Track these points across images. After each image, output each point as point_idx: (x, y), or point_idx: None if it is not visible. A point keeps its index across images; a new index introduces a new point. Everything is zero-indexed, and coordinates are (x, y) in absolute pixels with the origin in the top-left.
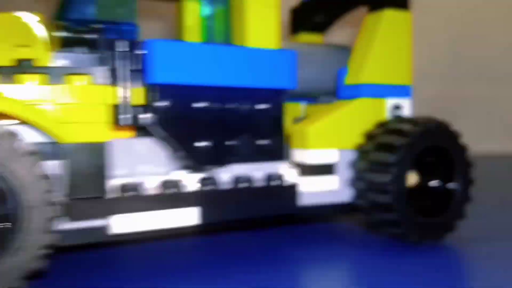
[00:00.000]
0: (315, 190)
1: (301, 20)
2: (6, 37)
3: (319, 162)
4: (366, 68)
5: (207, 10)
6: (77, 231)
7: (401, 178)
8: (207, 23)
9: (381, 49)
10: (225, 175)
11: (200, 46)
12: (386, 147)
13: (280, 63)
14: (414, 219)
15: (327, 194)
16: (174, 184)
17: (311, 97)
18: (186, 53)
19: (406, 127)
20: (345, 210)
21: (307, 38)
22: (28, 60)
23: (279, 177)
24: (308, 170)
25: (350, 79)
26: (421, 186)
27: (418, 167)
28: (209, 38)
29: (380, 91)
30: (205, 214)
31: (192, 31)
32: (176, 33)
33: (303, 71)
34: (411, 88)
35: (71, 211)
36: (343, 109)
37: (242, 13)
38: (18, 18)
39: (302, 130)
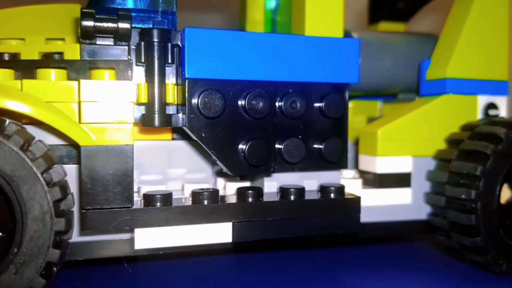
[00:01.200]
0: (382, 205)
1: (381, 7)
2: (39, 30)
3: (389, 171)
4: (453, 60)
5: (272, 1)
6: (96, 245)
7: (490, 194)
8: (272, 16)
9: (472, 37)
10: (271, 185)
11: (243, 35)
12: (472, 155)
13: (340, 53)
14: (505, 245)
15: (398, 210)
16: (207, 195)
17: (389, 94)
18: (227, 44)
19: (499, 130)
20: (418, 229)
21: (387, 27)
22: (58, 53)
23: (338, 189)
24: (376, 181)
25: (433, 73)
26: None
27: None
28: (273, 32)
29: (469, 87)
30: (242, 231)
31: (256, 24)
32: (239, 26)
33: (379, 64)
34: (508, 85)
35: (89, 223)
36: (421, 108)
37: None
38: (53, 10)
39: (370, 133)
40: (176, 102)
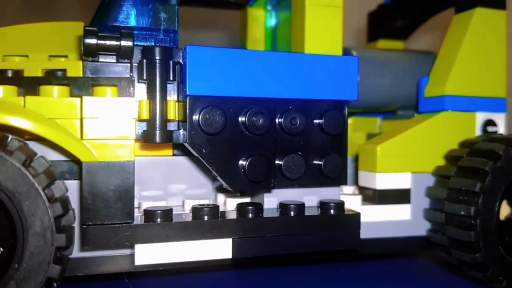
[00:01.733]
0: (382, 221)
1: (380, 25)
2: (42, 47)
3: (388, 187)
4: (451, 78)
5: (272, 19)
6: (97, 260)
7: (489, 210)
8: (272, 33)
9: (469, 55)
10: (271, 200)
11: (244, 52)
12: (471, 172)
13: (339, 71)
14: (505, 261)
15: (397, 226)
16: (207, 211)
17: (389, 111)
18: (228, 61)
19: (498, 147)
20: (418, 245)
21: (386, 45)
22: (61, 70)
23: (338, 205)
24: (375, 197)
25: (432, 91)
26: None
27: None
28: (273, 49)
29: (468, 104)
30: (242, 247)
31: (257, 42)
32: (240, 44)
33: (378, 81)
34: (506, 102)
35: (90, 238)
36: (420, 125)
37: (301, 13)
38: (56, 28)
39: (370, 149)
40: (177, 119)
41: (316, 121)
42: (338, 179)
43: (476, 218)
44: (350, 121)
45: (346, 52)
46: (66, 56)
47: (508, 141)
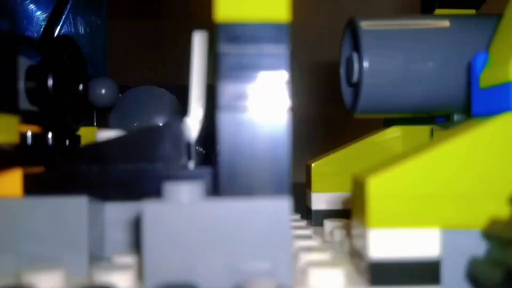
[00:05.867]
0: None
1: None
2: None
3: (392, 256)
4: None
5: None
6: None
7: None
8: None
9: None
10: None
11: None
12: None
13: None
14: None
15: None
16: None
17: (442, 114)
18: None
19: None
20: None
21: None
22: None
23: None
24: (372, 273)
25: (490, 76)
26: None
27: None
28: None
29: None
30: None
31: None
32: None
33: (414, 66)
34: None
35: None
36: (455, 140)
37: None
38: None
39: (359, 185)
40: None
41: None
42: None
43: None
44: (398, 132)
45: (350, 23)
46: None
47: None
